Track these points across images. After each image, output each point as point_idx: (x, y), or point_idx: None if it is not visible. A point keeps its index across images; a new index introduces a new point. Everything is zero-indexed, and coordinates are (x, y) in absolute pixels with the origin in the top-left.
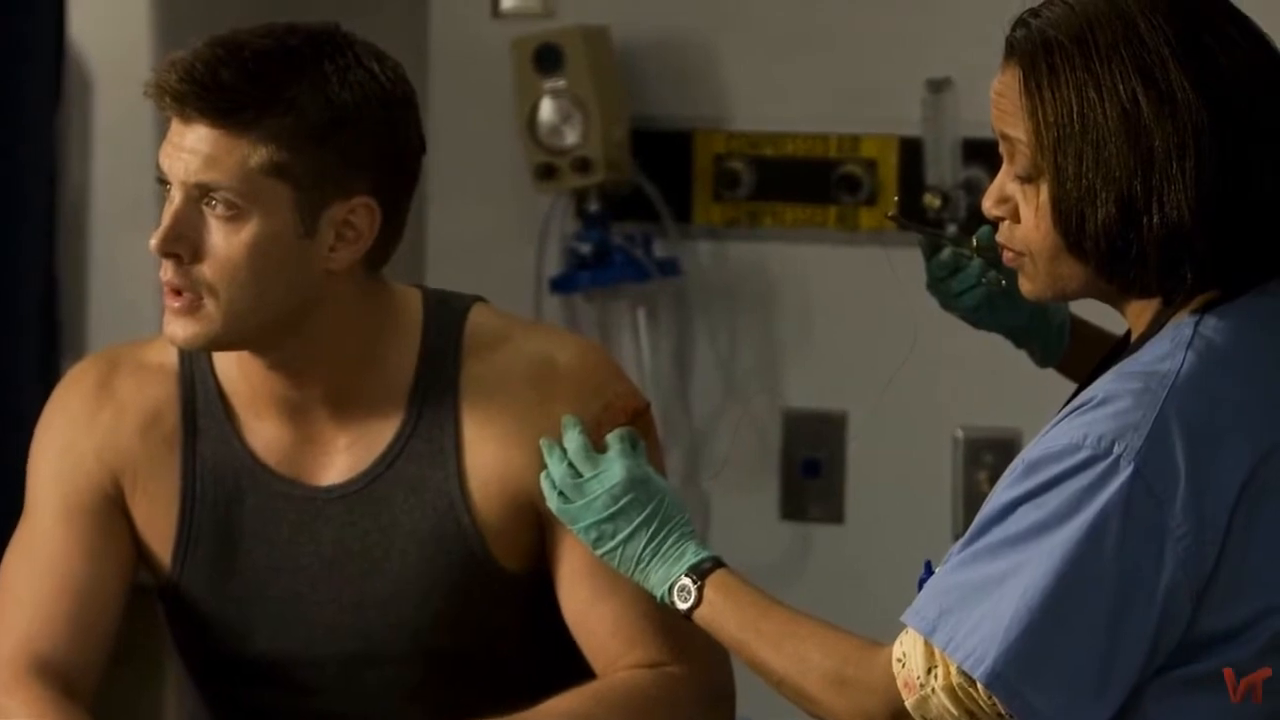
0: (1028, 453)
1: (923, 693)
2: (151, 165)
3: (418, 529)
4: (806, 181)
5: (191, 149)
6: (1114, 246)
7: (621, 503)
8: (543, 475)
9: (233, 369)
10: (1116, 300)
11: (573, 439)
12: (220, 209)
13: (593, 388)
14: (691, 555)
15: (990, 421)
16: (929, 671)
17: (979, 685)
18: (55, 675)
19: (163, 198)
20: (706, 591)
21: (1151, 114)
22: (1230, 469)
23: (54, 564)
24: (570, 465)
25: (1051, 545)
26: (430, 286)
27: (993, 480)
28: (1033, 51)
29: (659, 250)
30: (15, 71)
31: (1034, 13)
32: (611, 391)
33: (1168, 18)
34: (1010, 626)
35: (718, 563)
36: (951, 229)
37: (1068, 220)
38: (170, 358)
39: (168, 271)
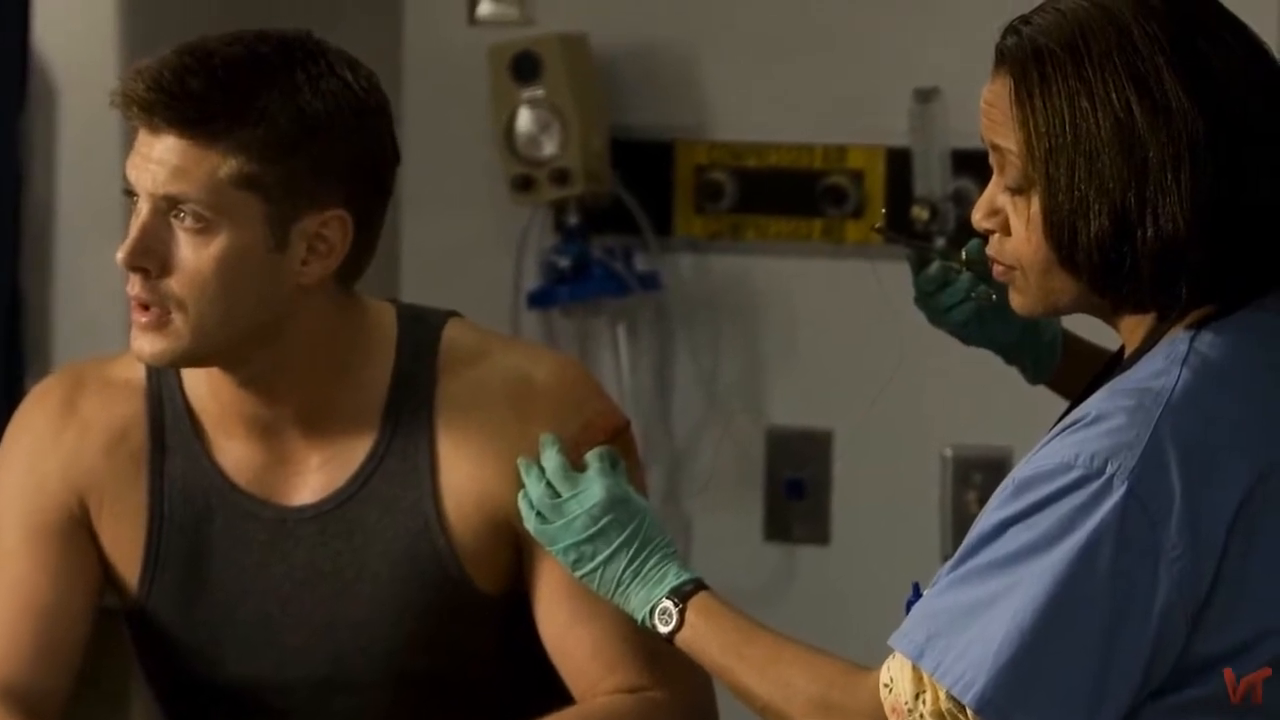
0: (1018, 472)
1: (910, 718)
2: (118, 176)
3: (391, 549)
4: (791, 193)
5: (159, 160)
6: (1107, 260)
7: (601, 523)
8: (520, 495)
9: (202, 386)
10: (1110, 315)
11: (551, 458)
12: (189, 221)
13: (571, 405)
14: (673, 577)
15: (980, 440)
16: (917, 697)
17: (969, 711)
18: (18, 700)
19: (130, 209)
20: (688, 614)
21: (1146, 124)
22: (1227, 488)
23: (18, 586)
24: (548, 485)
25: (1043, 567)
26: (404, 301)
27: (982, 500)
28: (1024, 60)
29: (639, 264)
30: None
31: (1025, 20)
32: (590, 409)
33: (1162, 24)
34: (1000, 650)
35: (700, 585)
36: (940, 242)
37: (1059, 233)
38: (137, 374)
39: (135, 285)
